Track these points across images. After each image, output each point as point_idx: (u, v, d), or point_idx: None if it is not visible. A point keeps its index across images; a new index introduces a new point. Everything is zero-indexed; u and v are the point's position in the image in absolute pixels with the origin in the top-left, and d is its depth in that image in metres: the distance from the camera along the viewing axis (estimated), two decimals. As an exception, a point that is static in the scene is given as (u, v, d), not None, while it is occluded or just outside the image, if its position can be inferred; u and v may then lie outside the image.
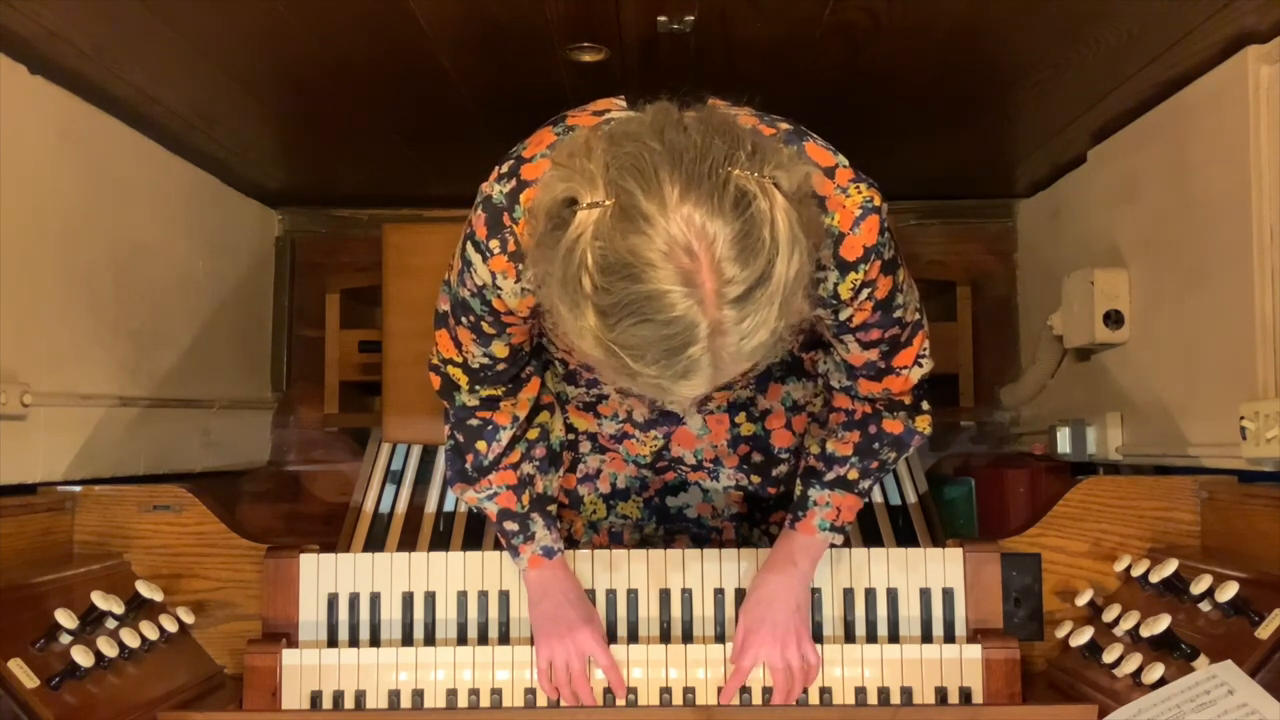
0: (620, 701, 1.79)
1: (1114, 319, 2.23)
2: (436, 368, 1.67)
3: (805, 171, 1.25)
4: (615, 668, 1.80)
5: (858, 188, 1.41)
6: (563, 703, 1.78)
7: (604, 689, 1.81)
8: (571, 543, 2.03)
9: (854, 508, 1.76)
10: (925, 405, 1.71)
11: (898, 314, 1.53)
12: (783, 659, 1.76)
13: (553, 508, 1.83)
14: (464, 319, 1.55)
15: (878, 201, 1.42)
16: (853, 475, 1.73)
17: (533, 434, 1.77)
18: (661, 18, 1.82)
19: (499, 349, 1.58)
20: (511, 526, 1.77)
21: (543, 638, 1.80)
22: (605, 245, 1.16)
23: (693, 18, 1.82)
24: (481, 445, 1.71)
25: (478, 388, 1.66)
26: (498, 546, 1.89)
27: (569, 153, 1.25)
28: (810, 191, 1.27)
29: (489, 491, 1.75)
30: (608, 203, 1.17)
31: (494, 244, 1.42)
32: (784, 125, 1.47)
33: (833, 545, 1.79)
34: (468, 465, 1.74)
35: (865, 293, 1.46)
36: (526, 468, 1.76)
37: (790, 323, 1.23)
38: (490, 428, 1.71)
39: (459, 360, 1.62)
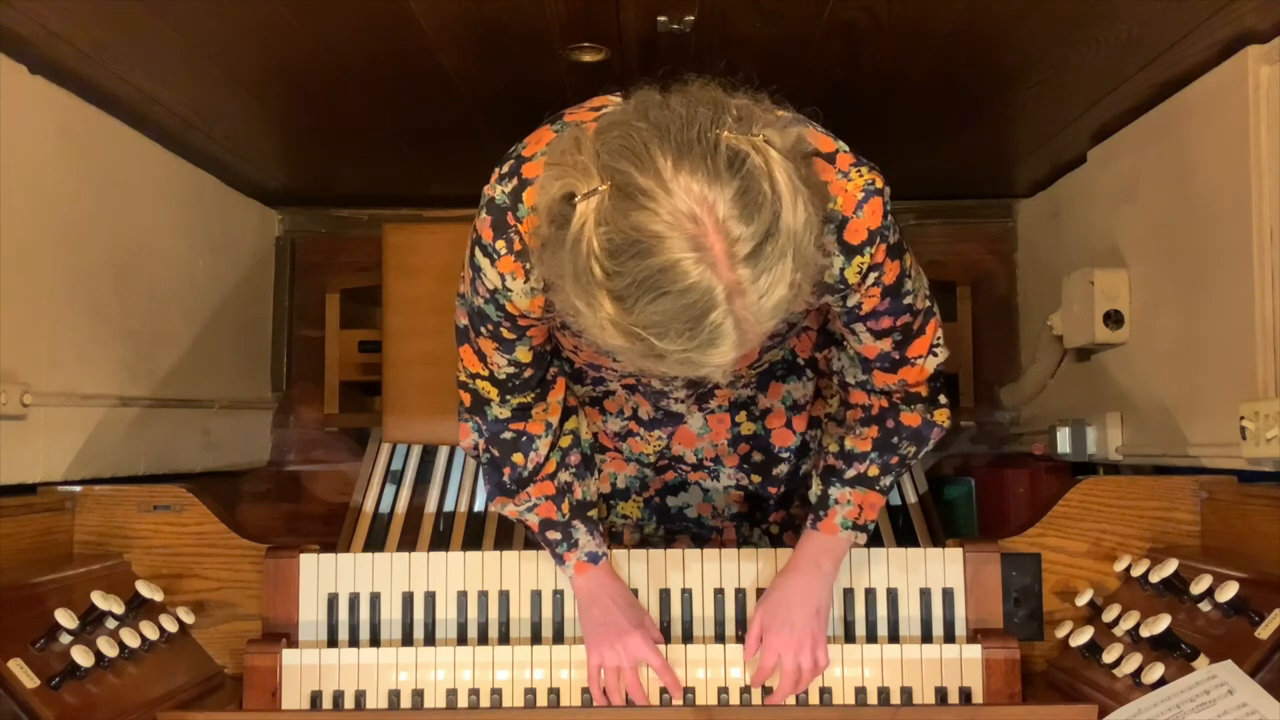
0: (677, 700, 1.79)
1: (1114, 319, 2.23)
2: (465, 384, 1.66)
3: (797, 132, 1.25)
4: (668, 669, 1.79)
5: (859, 171, 1.41)
6: (612, 705, 1.77)
7: (659, 689, 1.80)
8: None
9: (876, 505, 1.74)
10: (943, 399, 1.70)
11: (907, 300, 1.53)
12: (794, 661, 1.75)
13: (593, 513, 1.82)
14: (483, 328, 1.54)
15: (880, 184, 1.41)
16: (873, 472, 1.71)
17: (565, 441, 1.76)
18: (661, 18, 1.82)
19: (523, 354, 1.58)
20: (554, 536, 1.77)
21: (593, 643, 1.79)
22: (610, 228, 1.16)
23: (693, 18, 1.82)
24: (518, 458, 1.71)
25: (508, 398, 1.65)
26: (498, 547, 1.89)
27: (560, 151, 1.26)
28: (806, 151, 1.26)
29: (529, 504, 1.74)
30: (603, 187, 1.18)
31: (500, 244, 1.42)
32: (782, 114, 1.46)
33: (856, 544, 1.77)
34: (505, 478, 1.73)
35: (873, 277, 1.45)
36: (564, 476, 1.76)
37: (807, 275, 1.22)
38: (525, 439, 1.70)
39: (485, 373, 1.62)
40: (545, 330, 1.58)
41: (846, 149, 1.43)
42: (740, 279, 1.16)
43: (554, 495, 1.74)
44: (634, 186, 1.16)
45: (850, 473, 1.72)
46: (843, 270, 1.43)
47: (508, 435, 1.69)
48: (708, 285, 1.16)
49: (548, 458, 1.72)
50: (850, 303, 1.50)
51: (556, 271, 1.24)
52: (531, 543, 2.00)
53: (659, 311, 1.17)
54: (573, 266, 1.19)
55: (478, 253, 1.45)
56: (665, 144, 1.17)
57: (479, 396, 1.65)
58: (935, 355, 1.62)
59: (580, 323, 1.24)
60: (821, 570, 1.76)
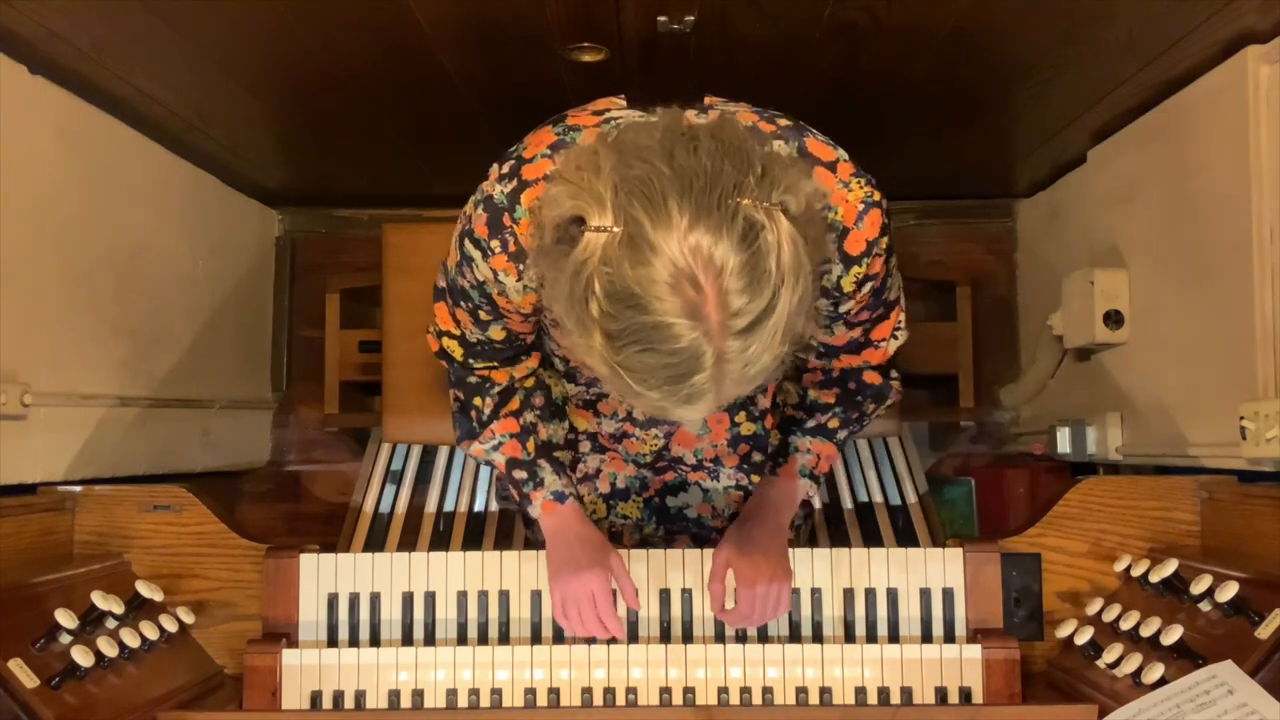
0: (641, 616, 1.82)
1: (1114, 319, 2.23)
2: (434, 333, 1.71)
3: (813, 189, 1.25)
4: (627, 580, 1.75)
5: (859, 182, 1.43)
6: (578, 637, 1.76)
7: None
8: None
9: (831, 458, 1.79)
10: (895, 374, 1.76)
11: (885, 298, 1.58)
12: (752, 584, 1.71)
13: (561, 455, 1.83)
14: (462, 304, 1.57)
15: (878, 197, 1.44)
16: (833, 424, 1.76)
17: (529, 383, 1.78)
18: (661, 18, 1.82)
19: (496, 333, 1.61)
20: (520, 475, 1.78)
21: (554, 580, 1.78)
22: (613, 273, 1.17)
23: (693, 18, 1.82)
24: (480, 400, 1.74)
25: (471, 361, 1.69)
26: (497, 547, 1.89)
27: (576, 165, 1.25)
28: (819, 208, 1.27)
29: (494, 441, 1.76)
30: (615, 229, 1.17)
31: (495, 244, 1.43)
32: (783, 121, 1.47)
33: (808, 495, 1.82)
34: (472, 420, 1.76)
35: (868, 286, 1.48)
36: (528, 416, 1.77)
37: (793, 344, 1.24)
38: (489, 383, 1.74)
39: (456, 334, 1.65)
40: (530, 325, 1.60)
41: (846, 158, 1.45)
42: (729, 349, 1.18)
43: (518, 433, 1.76)
44: (644, 239, 1.16)
45: (811, 423, 1.77)
46: (840, 279, 1.45)
47: (474, 379, 1.73)
48: (697, 350, 1.17)
49: (510, 395, 1.74)
50: (842, 309, 1.52)
51: (553, 278, 1.25)
52: (532, 543, 2.00)
53: (645, 363, 1.18)
54: (569, 290, 1.20)
55: (468, 243, 1.46)
56: (685, 201, 1.16)
57: (444, 350, 1.70)
58: (896, 339, 1.67)
59: (567, 336, 1.25)
60: (781, 517, 1.78)
